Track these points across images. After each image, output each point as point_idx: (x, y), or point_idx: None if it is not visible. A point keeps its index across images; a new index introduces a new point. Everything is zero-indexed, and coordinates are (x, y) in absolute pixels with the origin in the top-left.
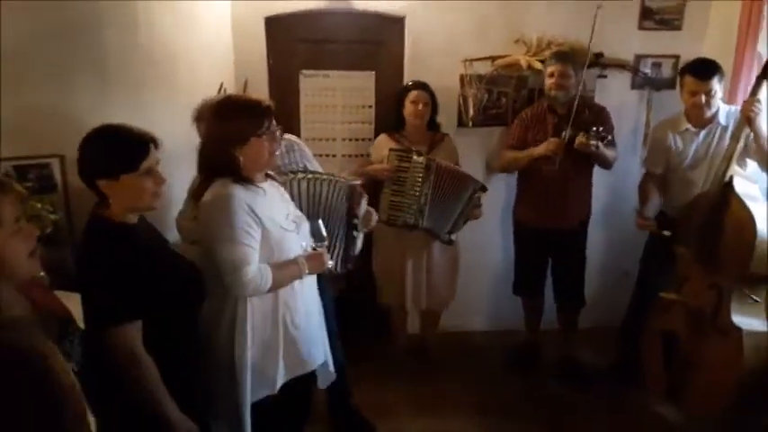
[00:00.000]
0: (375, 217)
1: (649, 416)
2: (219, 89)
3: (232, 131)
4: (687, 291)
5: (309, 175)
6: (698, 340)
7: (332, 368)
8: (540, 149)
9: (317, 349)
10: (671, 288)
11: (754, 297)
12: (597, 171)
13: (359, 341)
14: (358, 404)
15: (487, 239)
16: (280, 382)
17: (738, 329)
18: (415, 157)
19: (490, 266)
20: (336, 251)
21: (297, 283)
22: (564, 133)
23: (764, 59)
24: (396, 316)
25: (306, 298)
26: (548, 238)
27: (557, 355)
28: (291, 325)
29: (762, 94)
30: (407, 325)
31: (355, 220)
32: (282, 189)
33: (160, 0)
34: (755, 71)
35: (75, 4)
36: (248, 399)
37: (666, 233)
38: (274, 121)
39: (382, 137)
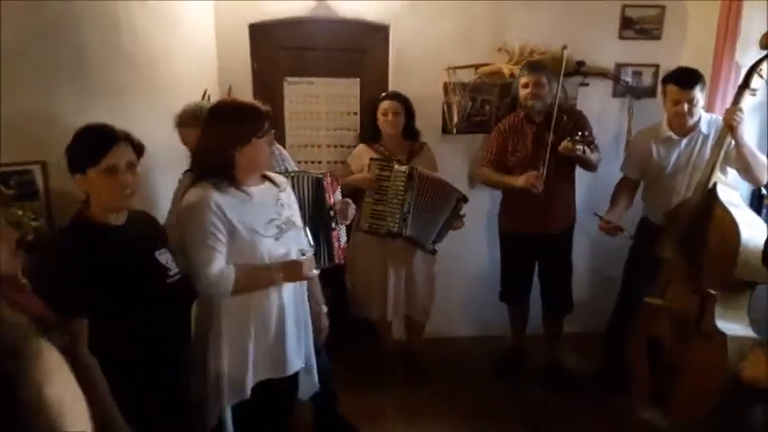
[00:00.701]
0: (353, 208)
1: (635, 421)
2: (203, 95)
3: (235, 133)
4: (671, 296)
5: (293, 174)
6: (682, 345)
7: (315, 378)
8: (520, 182)
9: (295, 356)
10: (654, 294)
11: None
12: (580, 178)
13: (345, 347)
14: (344, 411)
15: (473, 248)
16: (249, 386)
17: (722, 334)
18: (396, 165)
19: (476, 274)
20: (321, 247)
21: (273, 289)
22: (542, 168)
23: (743, 69)
24: (380, 325)
25: (283, 304)
26: (534, 244)
27: (543, 361)
28: (264, 331)
29: (743, 103)
30: (393, 331)
31: (331, 212)
32: (283, 193)
33: (142, 1)
34: (733, 80)
35: (53, 5)
36: (226, 403)
37: (626, 233)
38: (270, 127)
39: (361, 147)
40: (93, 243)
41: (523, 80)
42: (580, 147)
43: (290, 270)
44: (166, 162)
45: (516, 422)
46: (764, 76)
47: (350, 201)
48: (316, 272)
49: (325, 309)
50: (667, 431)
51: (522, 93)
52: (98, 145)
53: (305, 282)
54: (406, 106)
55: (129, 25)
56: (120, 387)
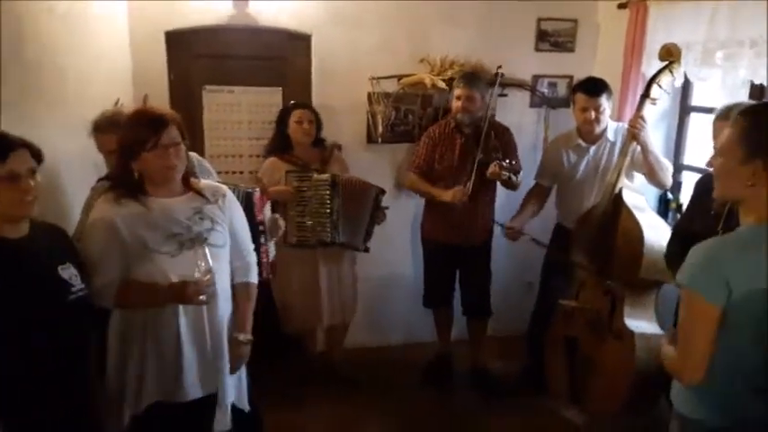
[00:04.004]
0: (282, 224)
1: (556, 420)
2: (116, 104)
3: (127, 144)
4: (584, 297)
5: None
6: (596, 344)
7: (228, 418)
8: (446, 197)
9: (193, 383)
10: (569, 296)
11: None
12: (499, 186)
13: (264, 361)
14: (271, 427)
15: (398, 254)
16: (143, 402)
17: (631, 332)
18: (316, 175)
19: (401, 280)
20: None
21: (169, 309)
22: (468, 184)
23: (647, 79)
24: (309, 336)
25: (179, 326)
26: (454, 253)
27: (469, 366)
28: (157, 350)
29: (646, 111)
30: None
31: (261, 227)
32: (208, 206)
33: (49, 8)
34: (640, 90)
35: None
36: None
37: (527, 236)
38: (173, 135)
39: (272, 160)
40: None
41: (457, 92)
42: (506, 174)
43: (174, 292)
44: (77, 171)
45: (444, 428)
46: (664, 86)
47: (279, 216)
48: (203, 297)
49: (243, 337)
50: (585, 427)
51: (455, 105)
52: None
53: (218, 304)
54: (315, 115)
55: (35, 33)
56: (19, 406)
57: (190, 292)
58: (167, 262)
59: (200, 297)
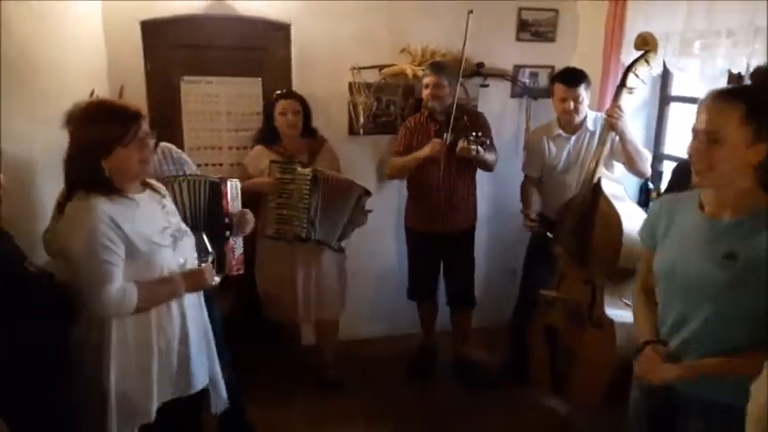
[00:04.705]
0: (250, 219)
1: (539, 410)
2: (90, 95)
3: (95, 141)
4: (565, 287)
5: (190, 178)
6: (577, 334)
7: (224, 393)
8: (425, 151)
9: (199, 372)
10: (550, 286)
11: (627, 301)
12: (481, 175)
13: (252, 356)
14: (253, 421)
15: (382, 246)
16: (154, 409)
17: (611, 321)
18: (299, 168)
19: (385, 272)
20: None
21: (174, 303)
22: (445, 135)
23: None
24: (289, 329)
25: (185, 318)
26: (437, 242)
27: (453, 357)
28: (166, 348)
29: (623, 101)
30: (302, 337)
31: (225, 219)
32: (165, 200)
33: (19, 1)
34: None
35: None
36: (114, 428)
37: (549, 234)
38: (146, 127)
39: (259, 148)
40: None
41: (425, 80)
42: (474, 147)
43: (193, 279)
44: (52, 168)
45: (429, 421)
46: (640, 75)
47: (248, 211)
48: (217, 278)
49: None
50: (569, 417)
51: (425, 93)
52: None
53: (201, 295)
54: (303, 105)
55: (4, 26)
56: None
57: (207, 276)
58: (170, 255)
59: (215, 279)
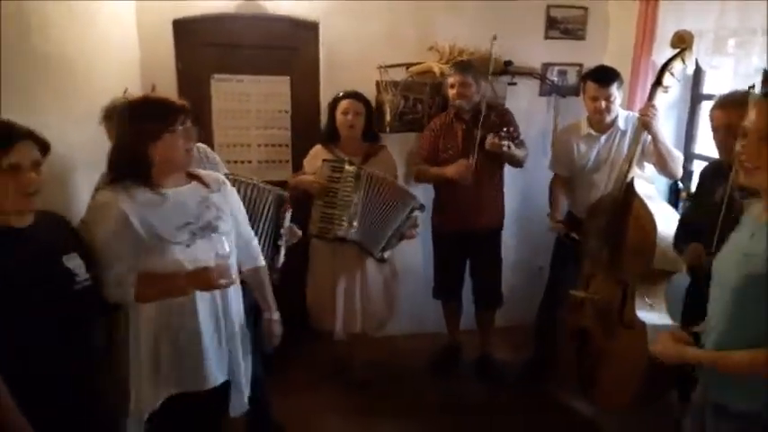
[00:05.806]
0: (298, 233)
1: (564, 412)
2: (124, 93)
3: (145, 128)
4: (594, 288)
5: (241, 179)
6: (606, 336)
7: (245, 398)
8: (451, 172)
9: (215, 370)
10: (578, 286)
11: (648, 301)
12: (509, 173)
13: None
14: (280, 415)
15: (408, 243)
16: (159, 398)
17: (642, 323)
18: (347, 166)
19: (410, 271)
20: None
21: (187, 298)
22: (471, 158)
23: (658, 68)
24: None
25: (198, 315)
26: (464, 241)
27: (477, 356)
28: (175, 341)
29: (657, 100)
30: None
31: (281, 231)
32: (215, 194)
33: (56, 1)
34: (651, 78)
35: None
36: (136, 413)
37: (574, 236)
38: (190, 122)
39: (317, 148)
40: None
41: (451, 80)
42: (505, 143)
43: (198, 278)
44: (86, 162)
45: (453, 419)
46: (675, 74)
47: (295, 226)
48: (224, 281)
49: (276, 316)
50: (596, 421)
51: (451, 92)
52: None
53: (229, 291)
54: (366, 106)
55: (42, 25)
56: (25, 399)
57: (214, 277)
58: (183, 252)
59: (223, 281)
